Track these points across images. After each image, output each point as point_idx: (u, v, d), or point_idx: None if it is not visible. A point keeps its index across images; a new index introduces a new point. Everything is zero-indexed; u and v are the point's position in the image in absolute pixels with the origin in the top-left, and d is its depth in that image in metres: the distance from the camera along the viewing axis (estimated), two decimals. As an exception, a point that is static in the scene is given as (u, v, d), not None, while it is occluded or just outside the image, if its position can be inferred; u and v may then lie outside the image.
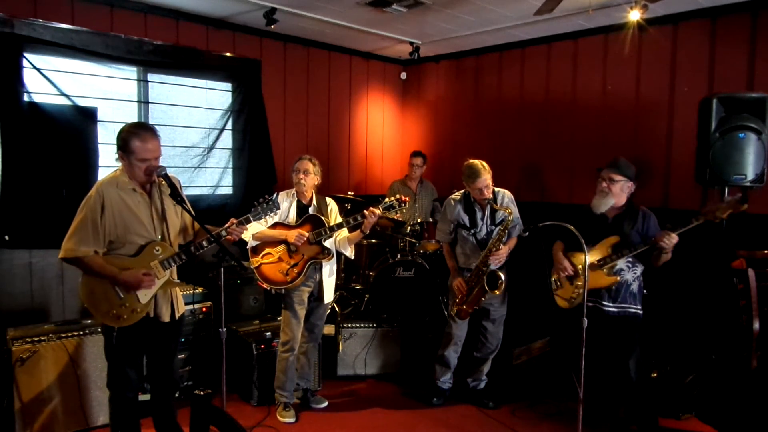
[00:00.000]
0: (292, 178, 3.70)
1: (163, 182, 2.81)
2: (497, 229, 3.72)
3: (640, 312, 3.31)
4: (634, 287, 3.30)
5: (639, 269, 3.30)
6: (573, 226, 3.16)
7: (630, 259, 3.25)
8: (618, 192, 3.30)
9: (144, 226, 2.74)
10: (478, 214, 3.79)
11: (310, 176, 3.67)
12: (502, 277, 3.59)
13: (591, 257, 3.24)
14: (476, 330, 3.94)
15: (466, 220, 3.81)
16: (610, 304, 3.30)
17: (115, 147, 2.75)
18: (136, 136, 2.68)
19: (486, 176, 3.65)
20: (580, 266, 3.28)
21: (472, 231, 3.79)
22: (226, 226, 2.90)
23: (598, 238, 3.29)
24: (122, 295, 2.71)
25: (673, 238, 3.03)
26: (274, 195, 3.04)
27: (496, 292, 3.59)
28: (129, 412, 2.91)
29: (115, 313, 2.70)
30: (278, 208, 3.10)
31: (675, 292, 4.23)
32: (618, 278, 3.23)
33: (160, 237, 2.80)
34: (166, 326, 2.89)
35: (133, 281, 2.68)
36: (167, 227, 2.83)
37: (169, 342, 2.99)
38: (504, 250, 3.66)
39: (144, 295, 2.74)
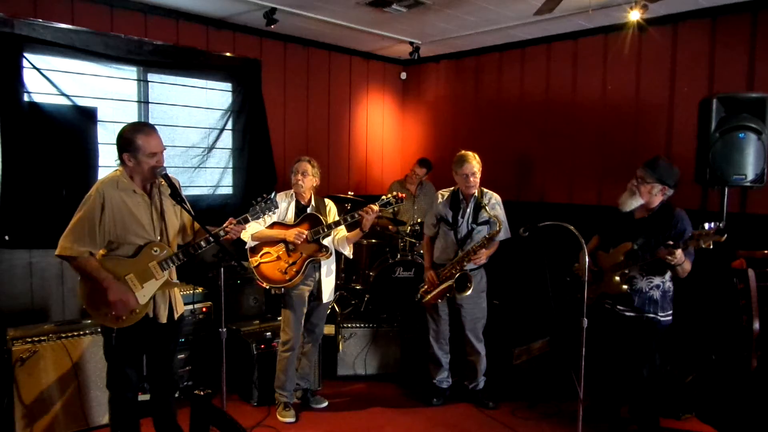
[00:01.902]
0: (290, 179, 3.72)
1: (163, 182, 2.81)
2: (479, 229, 3.75)
3: (663, 319, 3.18)
4: (655, 294, 3.16)
5: (657, 279, 3.17)
6: (605, 223, 3.11)
7: (645, 270, 3.15)
8: (647, 195, 3.15)
9: (143, 227, 2.73)
10: (461, 211, 3.81)
11: (309, 177, 3.68)
12: (472, 280, 3.67)
13: (610, 260, 3.23)
14: (461, 337, 3.96)
15: (449, 215, 3.84)
16: (625, 309, 3.22)
17: (116, 150, 2.72)
18: (140, 132, 2.68)
19: (473, 163, 3.71)
20: (603, 266, 3.26)
21: (453, 227, 3.82)
22: (225, 225, 2.90)
23: (618, 239, 3.21)
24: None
25: (677, 254, 2.86)
26: (272, 194, 3.04)
27: (463, 294, 3.67)
28: (129, 413, 2.90)
29: (114, 314, 2.69)
30: (276, 207, 3.10)
31: (675, 291, 4.22)
32: (625, 287, 3.14)
33: (159, 238, 2.79)
34: (165, 327, 2.87)
35: (111, 301, 2.66)
36: (166, 228, 2.82)
37: (168, 342, 2.98)
38: (484, 254, 3.70)
39: (142, 296, 2.73)
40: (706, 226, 2.76)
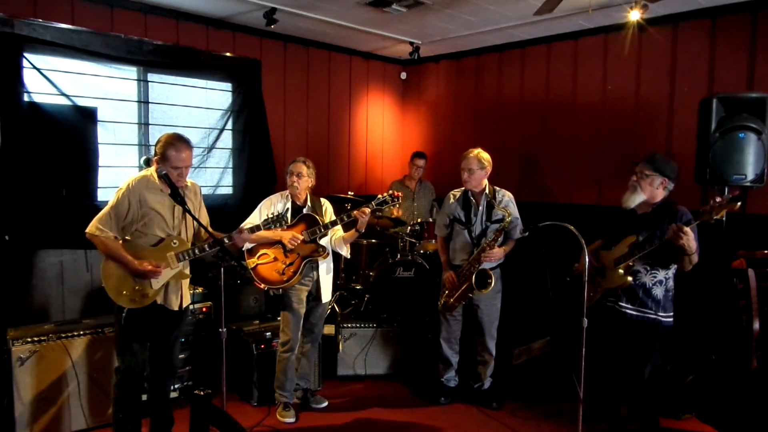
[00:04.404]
0: (285, 179, 3.73)
1: (188, 184, 3.16)
2: (493, 227, 3.73)
3: (665, 320, 3.16)
4: (657, 293, 3.14)
5: (660, 274, 3.14)
6: (608, 223, 3.10)
7: (649, 262, 3.14)
8: (648, 188, 3.16)
9: (165, 222, 3.01)
10: (474, 210, 3.80)
11: (304, 179, 3.69)
12: (492, 276, 3.62)
13: (611, 256, 3.22)
14: (475, 337, 3.96)
15: (462, 215, 3.83)
16: (629, 306, 3.19)
17: (153, 153, 3.07)
18: (173, 146, 2.96)
19: (469, 159, 3.73)
20: (605, 263, 3.25)
21: (467, 226, 3.80)
22: (234, 232, 3.16)
23: (621, 235, 3.21)
24: (137, 281, 2.94)
25: (688, 233, 2.82)
26: (285, 211, 3.40)
27: (483, 291, 3.63)
28: (134, 394, 3.05)
29: (128, 295, 2.93)
30: (287, 223, 3.34)
31: (675, 291, 4.22)
32: (629, 279, 3.12)
33: (177, 233, 3.06)
34: (173, 314, 3.11)
35: (140, 271, 2.91)
36: (185, 226, 3.12)
37: (174, 329, 3.17)
38: (498, 252, 3.68)
39: (156, 282, 2.97)
40: (717, 198, 2.76)
